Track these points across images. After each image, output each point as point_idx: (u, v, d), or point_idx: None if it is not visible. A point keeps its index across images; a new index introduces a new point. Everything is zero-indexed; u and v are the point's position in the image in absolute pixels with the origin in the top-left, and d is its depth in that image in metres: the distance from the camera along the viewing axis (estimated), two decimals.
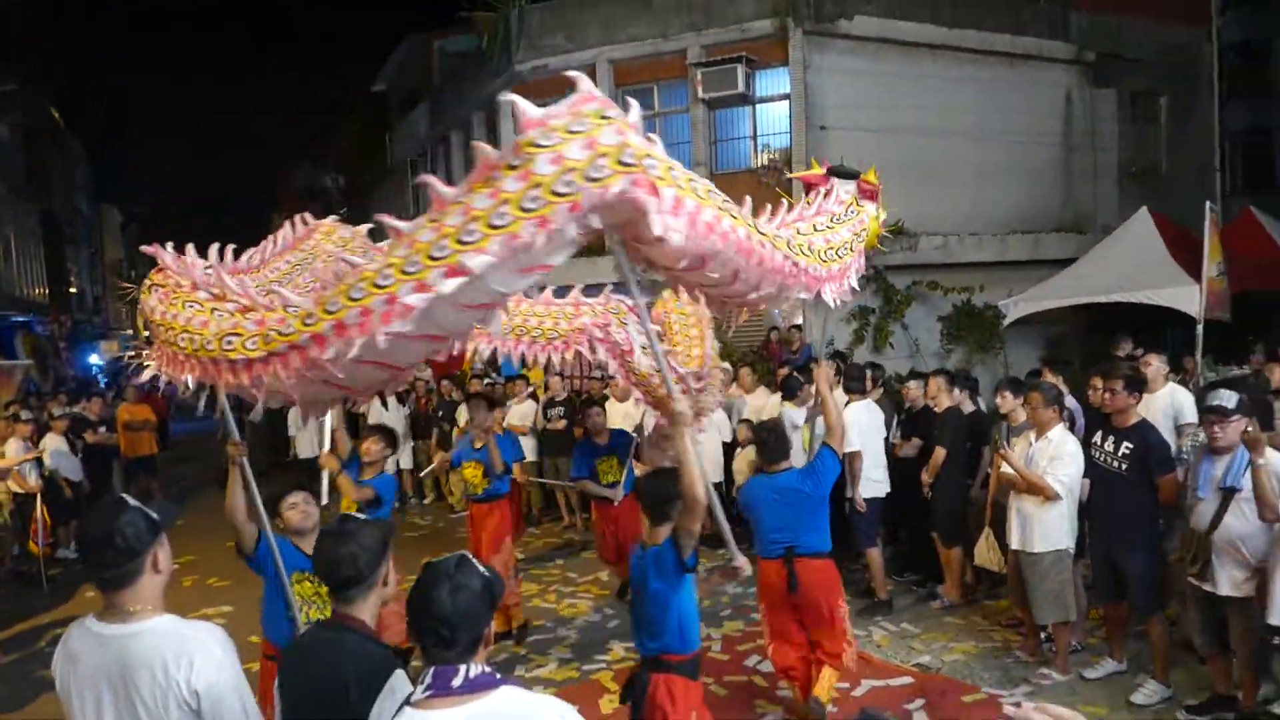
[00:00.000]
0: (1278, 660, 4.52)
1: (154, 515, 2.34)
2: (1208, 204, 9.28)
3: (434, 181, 2.50)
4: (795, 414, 7.50)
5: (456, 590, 1.98)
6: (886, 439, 7.17)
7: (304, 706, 2.40)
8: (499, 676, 2.00)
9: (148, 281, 3.15)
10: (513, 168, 2.43)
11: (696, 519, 3.29)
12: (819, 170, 4.66)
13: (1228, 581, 4.41)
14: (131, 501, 2.33)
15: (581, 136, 2.42)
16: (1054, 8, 14.47)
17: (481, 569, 2.08)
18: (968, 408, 6.80)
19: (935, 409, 6.81)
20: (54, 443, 9.95)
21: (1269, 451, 4.16)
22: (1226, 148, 18.41)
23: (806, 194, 4.50)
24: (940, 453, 6.54)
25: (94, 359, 34.64)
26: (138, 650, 2.22)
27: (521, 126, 2.45)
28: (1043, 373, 7.17)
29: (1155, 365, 6.17)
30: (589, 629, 6.71)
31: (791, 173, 12.47)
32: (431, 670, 1.97)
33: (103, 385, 23.14)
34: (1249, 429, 4.10)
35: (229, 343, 2.75)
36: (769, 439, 4.88)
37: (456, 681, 1.94)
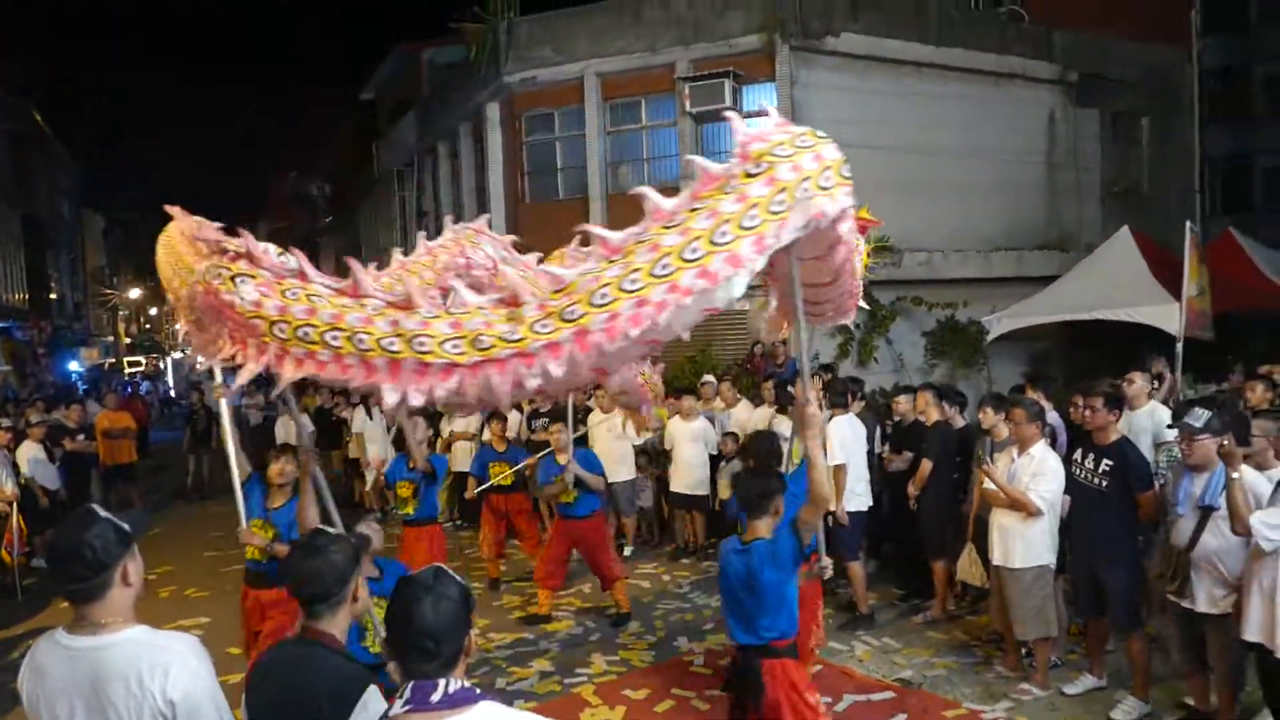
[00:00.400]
0: (1252, 675, 4.56)
1: (125, 526, 2.30)
2: (1188, 224, 9.39)
3: (655, 198, 2.63)
4: (787, 427, 7.45)
5: (439, 601, 1.97)
6: (871, 452, 7.22)
7: None
8: (478, 691, 1.98)
9: (228, 271, 2.78)
10: (752, 175, 2.65)
11: (819, 514, 3.61)
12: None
13: (1205, 598, 4.45)
14: (101, 513, 2.29)
15: (809, 150, 2.74)
16: (1038, 28, 14.66)
17: (459, 579, 2.07)
18: (958, 423, 6.83)
19: (925, 423, 6.86)
20: (31, 451, 9.83)
21: (1245, 468, 4.21)
22: (1206, 170, 18.67)
23: None
24: (927, 465, 6.57)
25: (74, 365, 34.35)
26: (111, 662, 2.19)
27: (746, 140, 2.72)
28: (1026, 389, 7.21)
29: (1139, 383, 6.24)
30: (570, 642, 6.67)
31: None
32: (410, 684, 1.95)
33: (82, 392, 22.90)
34: (1225, 443, 4.14)
35: (421, 344, 2.56)
36: (758, 449, 5.31)
37: (435, 696, 1.92)
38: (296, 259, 2.83)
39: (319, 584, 2.41)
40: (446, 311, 2.62)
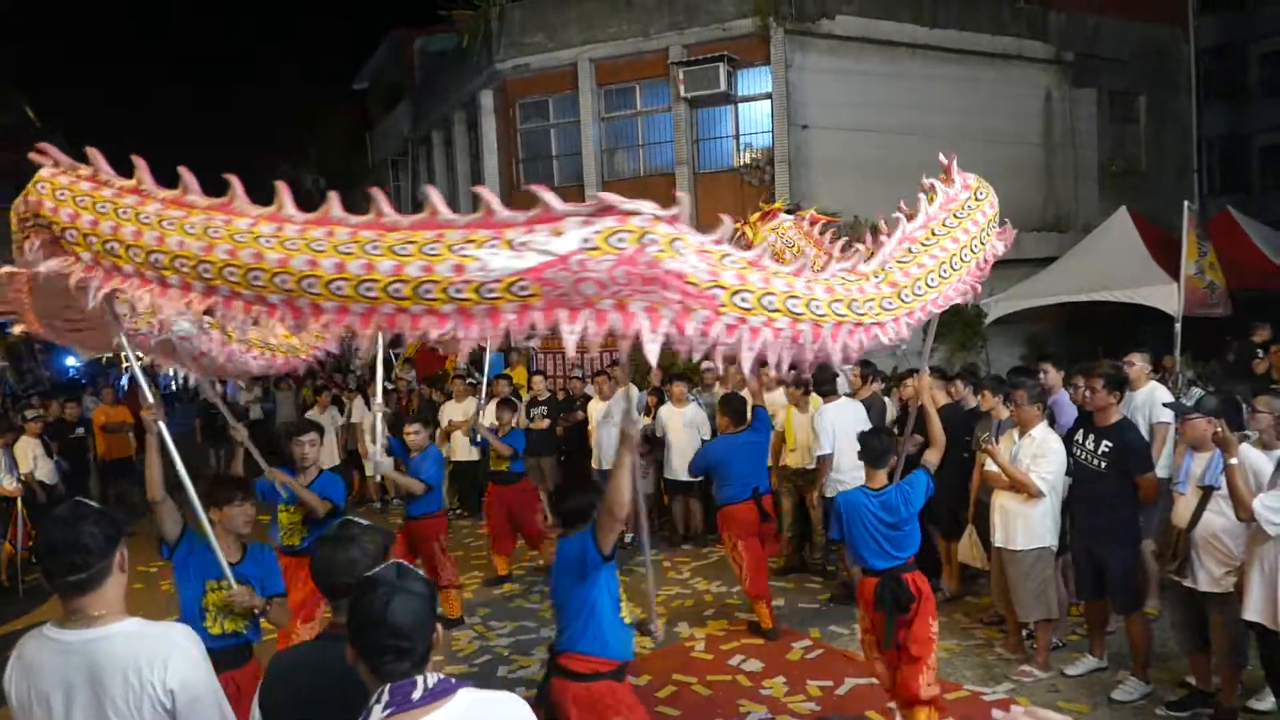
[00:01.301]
0: (1253, 654, 4.57)
1: (115, 516, 2.31)
2: (1186, 204, 9.36)
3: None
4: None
5: (408, 599, 1.91)
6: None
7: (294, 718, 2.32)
8: (454, 681, 1.95)
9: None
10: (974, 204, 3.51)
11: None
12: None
13: (1206, 577, 4.45)
14: (92, 504, 2.30)
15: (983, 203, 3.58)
16: (1033, 8, 14.57)
17: (420, 573, 2.01)
18: (970, 403, 6.81)
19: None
20: (29, 446, 9.80)
21: (1244, 447, 4.20)
22: (1204, 150, 18.62)
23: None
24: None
25: (71, 360, 34.24)
26: (107, 655, 2.18)
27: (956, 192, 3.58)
28: (1039, 367, 7.21)
29: (1138, 365, 6.23)
30: None
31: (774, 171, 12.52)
32: (387, 688, 1.88)
33: (81, 386, 22.83)
34: (1219, 430, 4.12)
35: (793, 303, 2.51)
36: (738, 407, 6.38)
37: (416, 694, 1.87)
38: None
39: (350, 574, 2.29)
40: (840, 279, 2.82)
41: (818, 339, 2.58)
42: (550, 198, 2.32)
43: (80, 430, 11.33)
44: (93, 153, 2.82)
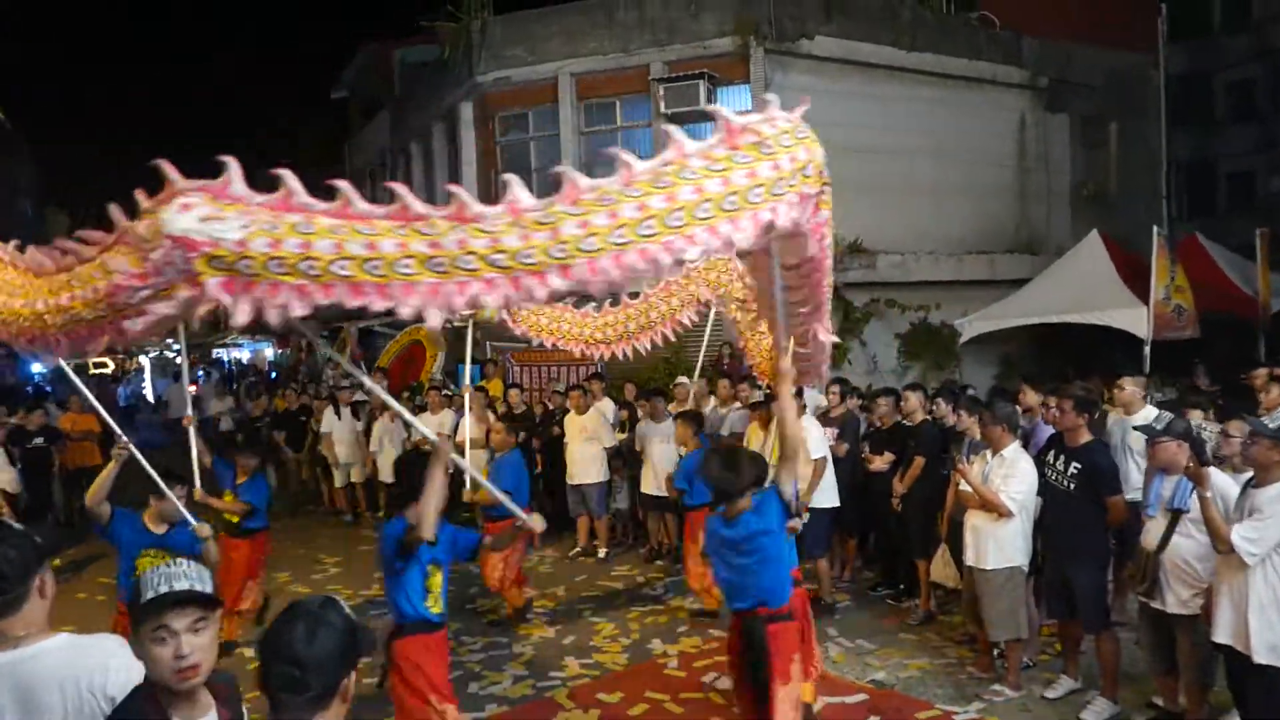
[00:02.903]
0: (1220, 676, 4.61)
1: (38, 539, 2.31)
2: (1155, 229, 9.52)
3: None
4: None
5: (316, 628, 1.78)
6: (851, 452, 7.35)
7: None
8: None
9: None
10: (763, 154, 2.69)
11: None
12: None
13: (1174, 600, 4.50)
14: (14, 526, 2.33)
15: (804, 143, 2.84)
16: (1008, 34, 14.82)
17: (348, 612, 1.89)
18: (949, 422, 6.88)
19: (909, 424, 6.94)
20: None
21: (1212, 471, 4.24)
22: (1173, 175, 18.97)
23: None
24: (919, 462, 6.62)
25: (37, 367, 33.62)
26: (39, 672, 2.17)
27: (734, 130, 2.73)
28: (1021, 390, 7.28)
29: (1130, 389, 6.13)
30: (544, 645, 6.62)
31: None
32: None
33: (48, 393, 22.39)
34: (1190, 466, 4.16)
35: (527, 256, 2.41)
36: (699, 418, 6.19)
37: None
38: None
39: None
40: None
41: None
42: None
43: (40, 440, 11.04)
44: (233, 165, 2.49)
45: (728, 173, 2.61)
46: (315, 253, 2.32)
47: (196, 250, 2.21)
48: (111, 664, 2.20)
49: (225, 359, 40.94)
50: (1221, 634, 4.08)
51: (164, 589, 2.00)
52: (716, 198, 2.56)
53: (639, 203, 2.49)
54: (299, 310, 2.37)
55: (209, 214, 2.25)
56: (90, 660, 2.19)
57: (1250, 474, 4.19)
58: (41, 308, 2.68)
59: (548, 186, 2.56)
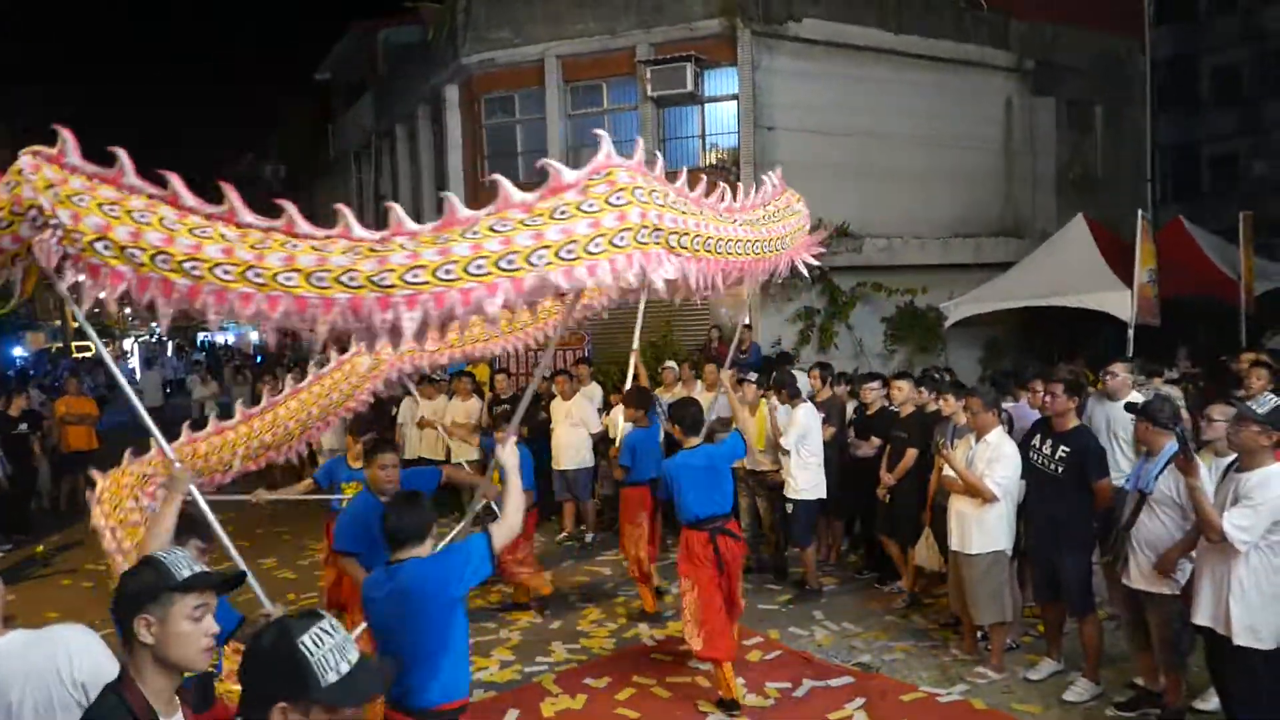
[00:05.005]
0: (1195, 654, 4.67)
1: None
2: (1140, 212, 9.55)
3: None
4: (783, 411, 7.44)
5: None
6: (837, 437, 7.34)
7: None
8: None
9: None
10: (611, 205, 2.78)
11: None
12: None
13: (1138, 574, 4.54)
14: None
15: (615, 210, 2.78)
16: (995, 16, 14.78)
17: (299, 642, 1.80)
18: (933, 407, 6.86)
19: (897, 411, 6.92)
20: None
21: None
22: (1157, 158, 19.05)
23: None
24: (912, 454, 6.58)
25: (18, 351, 33.34)
26: (3, 670, 2.17)
27: (559, 187, 2.79)
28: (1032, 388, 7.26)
29: (1121, 376, 6.10)
30: (531, 630, 6.64)
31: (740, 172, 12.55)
32: None
33: (33, 377, 22.18)
34: (1181, 458, 4.15)
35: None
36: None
37: None
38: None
39: None
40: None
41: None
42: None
43: (24, 426, 10.93)
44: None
45: (544, 228, 2.73)
46: (145, 243, 2.66)
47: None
48: (73, 649, 2.22)
49: (206, 340, 40.62)
50: (1202, 616, 4.12)
51: (187, 573, 2.01)
52: (524, 251, 2.68)
53: (473, 244, 2.66)
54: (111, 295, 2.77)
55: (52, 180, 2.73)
56: (49, 652, 2.21)
57: (1232, 458, 4.22)
58: None
59: (534, 169, 2.70)
